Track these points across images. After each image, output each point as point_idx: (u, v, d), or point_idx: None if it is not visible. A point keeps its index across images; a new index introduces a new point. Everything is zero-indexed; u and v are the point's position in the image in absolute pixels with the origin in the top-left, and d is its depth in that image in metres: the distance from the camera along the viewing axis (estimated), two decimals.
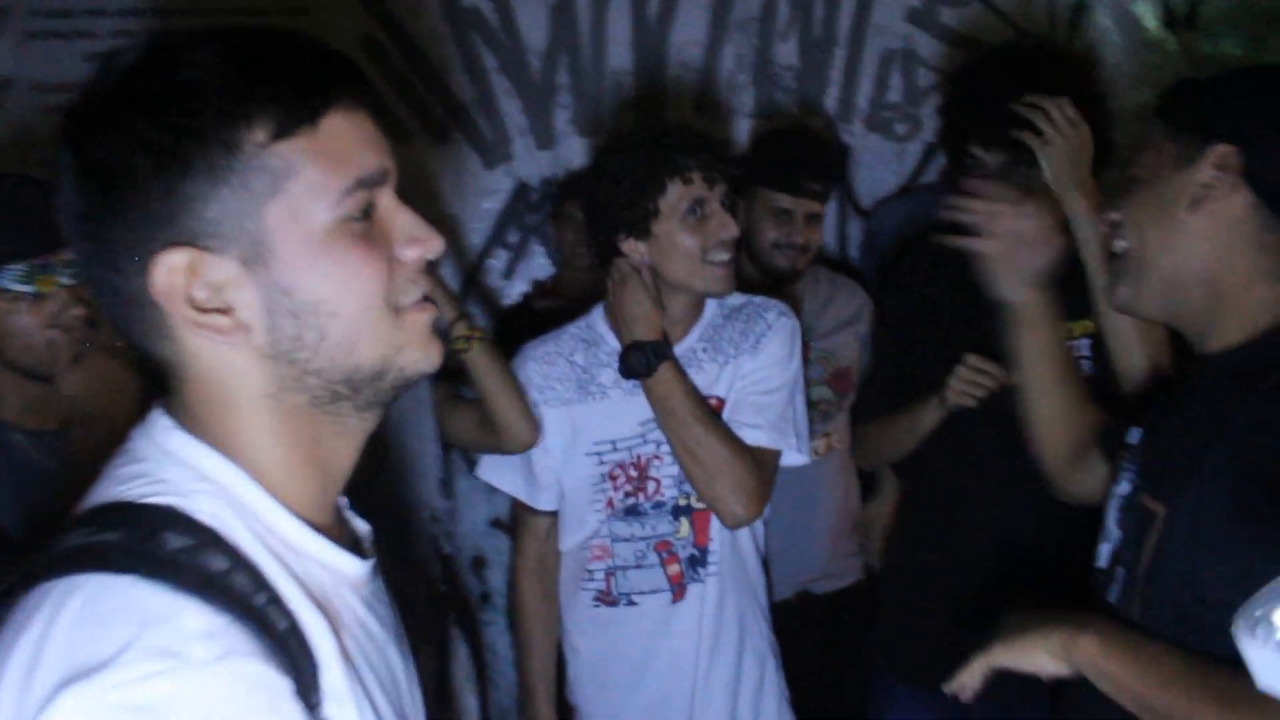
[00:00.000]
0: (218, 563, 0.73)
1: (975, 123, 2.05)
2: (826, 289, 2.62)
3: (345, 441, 0.87)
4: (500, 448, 2.10)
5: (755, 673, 2.07)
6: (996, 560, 2.16)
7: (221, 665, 0.68)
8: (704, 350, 2.03)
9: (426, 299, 0.87)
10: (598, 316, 2.08)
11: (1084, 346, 2.09)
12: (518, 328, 2.97)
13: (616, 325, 2.02)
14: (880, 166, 3.17)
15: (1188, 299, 1.32)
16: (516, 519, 2.21)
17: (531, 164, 3.14)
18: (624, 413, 2.01)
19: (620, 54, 3.12)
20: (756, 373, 2.00)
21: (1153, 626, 1.27)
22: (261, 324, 0.79)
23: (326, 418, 0.84)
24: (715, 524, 2.00)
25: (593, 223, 2.03)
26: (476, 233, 3.19)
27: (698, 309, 2.05)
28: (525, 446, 2.06)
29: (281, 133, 0.76)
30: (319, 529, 0.84)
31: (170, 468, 0.79)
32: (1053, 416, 1.67)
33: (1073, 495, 1.72)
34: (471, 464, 2.70)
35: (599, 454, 2.02)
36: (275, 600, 0.75)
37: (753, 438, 1.97)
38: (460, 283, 3.22)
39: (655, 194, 1.91)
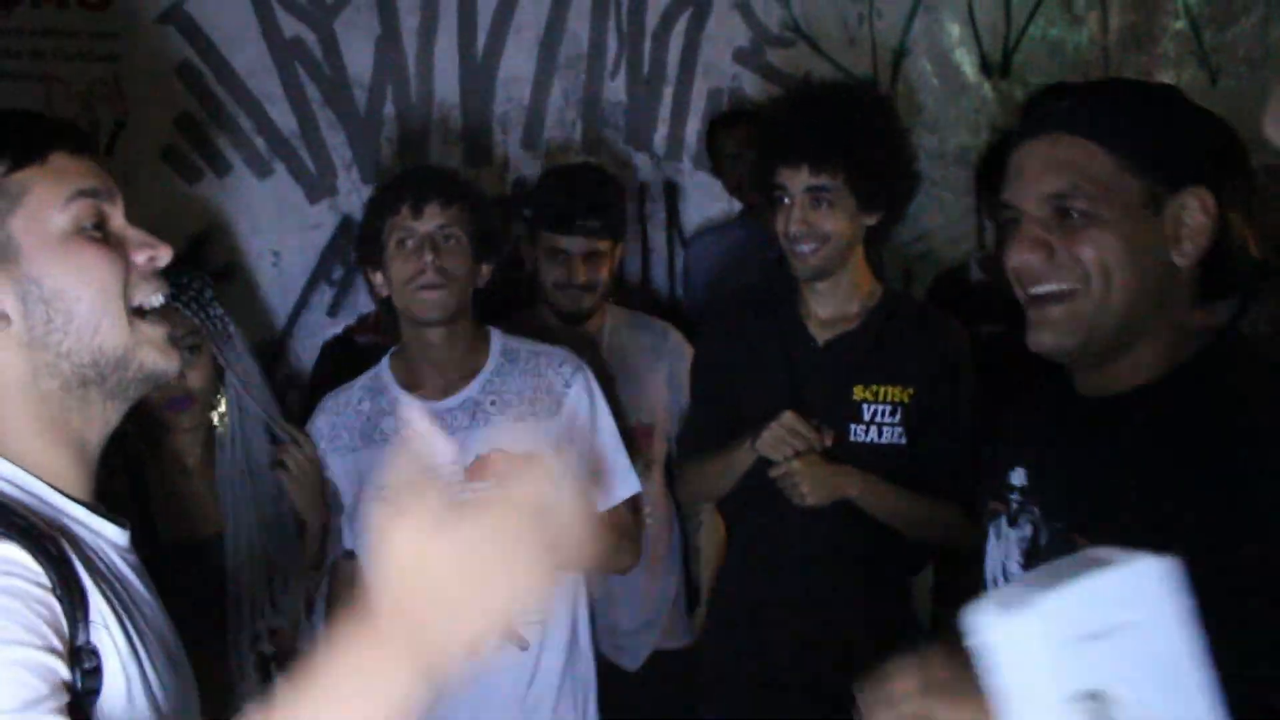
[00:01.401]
0: None
1: (778, 141, 2.07)
2: (627, 334, 2.54)
3: (93, 429, 1.03)
4: None
5: None
6: (818, 607, 2.13)
7: None
8: (491, 403, 2.03)
9: (165, 313, 1.06)
10: (385, 365, 2.10)
11: (882, 412, 2.11)
12: (338, 361, 2.90)
13: (402, 375, 2.07)
14: (709, 204, 3.21)
15: (1130, 339, 1.23)
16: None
17: (356, 197, 3.08)
18: None
19: (447, 87, 3.10)
20: (576, 439, 2.02)
21: None
22: (18, 311, 0.97)
23: (75, 402, 1.00)
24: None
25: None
26: (300, 267, 3.11)
27: (476, 353, 2.06)
28: None
29: (15, 166, 0.99)
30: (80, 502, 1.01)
31: None
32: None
33: None
34: None
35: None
36: (48, 536, 0.90)
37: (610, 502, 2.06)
38: (285, 320, 3.13)
39: (379, 229, 2.00)
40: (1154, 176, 1.20)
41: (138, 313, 1.02)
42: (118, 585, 0.98)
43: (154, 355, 1.02)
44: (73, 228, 0.99)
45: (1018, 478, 1.37)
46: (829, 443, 2.05)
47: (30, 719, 0.80)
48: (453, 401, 2.02)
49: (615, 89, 3.17)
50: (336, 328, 3.08)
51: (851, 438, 2.07)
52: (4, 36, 2.90)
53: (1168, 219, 1.20)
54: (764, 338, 2.20)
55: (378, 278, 2.03)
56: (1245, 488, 1.10)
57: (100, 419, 1.03)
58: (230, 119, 3.03)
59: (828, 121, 2.04)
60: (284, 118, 3.06)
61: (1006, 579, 1.36)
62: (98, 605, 0.92)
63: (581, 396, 2.06)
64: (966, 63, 3.41)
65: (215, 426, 2.01)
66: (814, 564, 2.14)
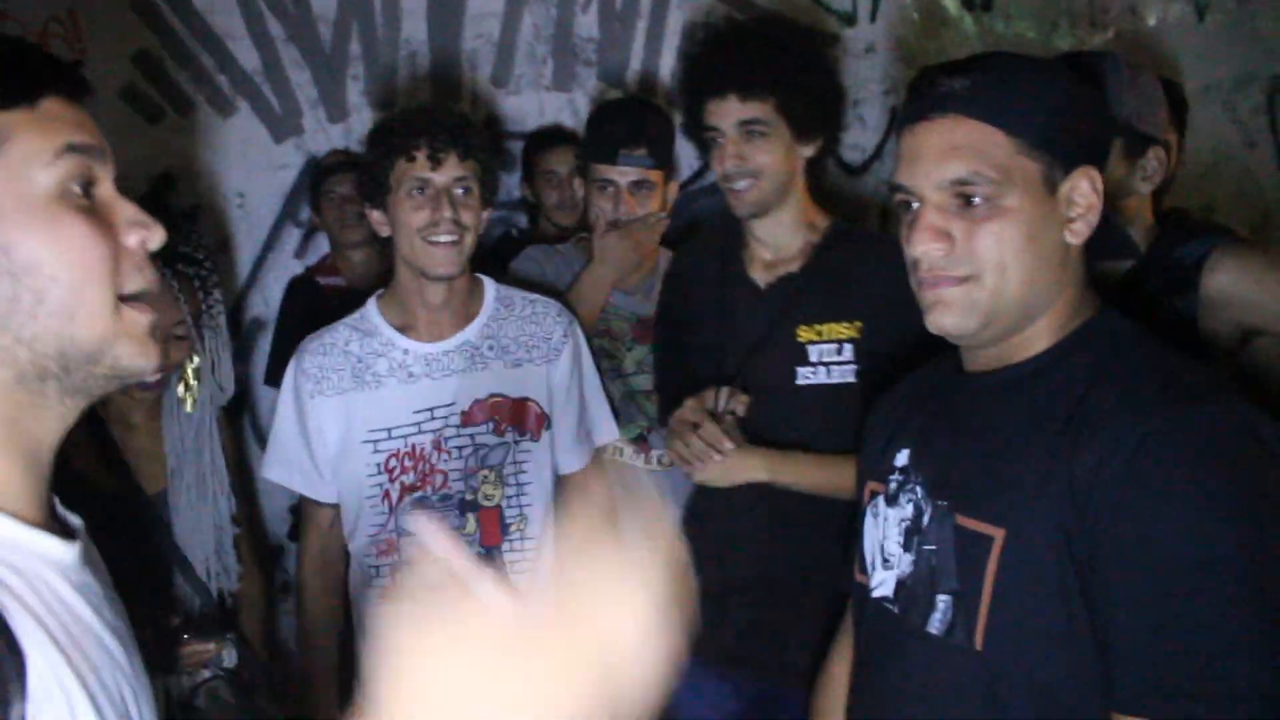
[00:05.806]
0: None
1: (703, 77, 2.00)
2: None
3: (46, 429, 0.86)
4: None
5: None
6: (759, 549, 2.13)
7: None
8: (489, 348, 2.04)
9: (148, 301, 0.88)
10: (373, 308, 2.07)
11: (829, 351, 2.05)
12: (302, 301, 2.88)
13: (394, 317, 2.03)
14: (680, 141, 3.14)
15: (1027, 320, 1.23)
16: (301, 512, 2.16)
17: (323, 137, 3.02)
18: (399, 401, 2.00)
19: (414, 24, 3.02)
20: (572, 388, 2.12)
21: (997, 654, 1.19)
22: None
23: (28, 398, 0.84)
24: (519, 530, 2.01)
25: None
26: (266, 208, 3.06)
27: (471, 298, 2.07)
28: None
29: (1, 106, 0.83)
30: (19, 517, 0.84)
31: None
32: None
33: None
34: None
35: (374, 442, 2.00)
36: None
37: (588, 455, 2.16)
38: (252, 263, 3.09)
39: (387, 170, 1.94)
40: (1050, 158, 1.19)
41: (121, 300, 0.86)
42: (63, 623, 0.83)
43: (131, 351, 0.86)
44: (58, 189, 0.83)
45: (901, 459, 1.38)
46: (741, 411, 1.98)
47: None
48: (449, 344, 2.02)
49: (587, 23, 3.09)
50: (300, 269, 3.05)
51: (799, 381, 2.00)
52: None
53: (1061, 199, 1.20)
54: (705, 284, 2.15)
55: (375, 215, 2.00)
56: (1080, 467, 1.12)
57: (56, 418, 0.87)
58: (191, 56, 2.96)
59: (752, 50, 1.96)
60: (247, 55, 2.99)
61: (885, 559, 1.36)
62: (39, 672, 0.77)
63: (577, 347, 2.12)
64: None
65: (179, 396, 2.02)
66: (766, 517, 2.11)
